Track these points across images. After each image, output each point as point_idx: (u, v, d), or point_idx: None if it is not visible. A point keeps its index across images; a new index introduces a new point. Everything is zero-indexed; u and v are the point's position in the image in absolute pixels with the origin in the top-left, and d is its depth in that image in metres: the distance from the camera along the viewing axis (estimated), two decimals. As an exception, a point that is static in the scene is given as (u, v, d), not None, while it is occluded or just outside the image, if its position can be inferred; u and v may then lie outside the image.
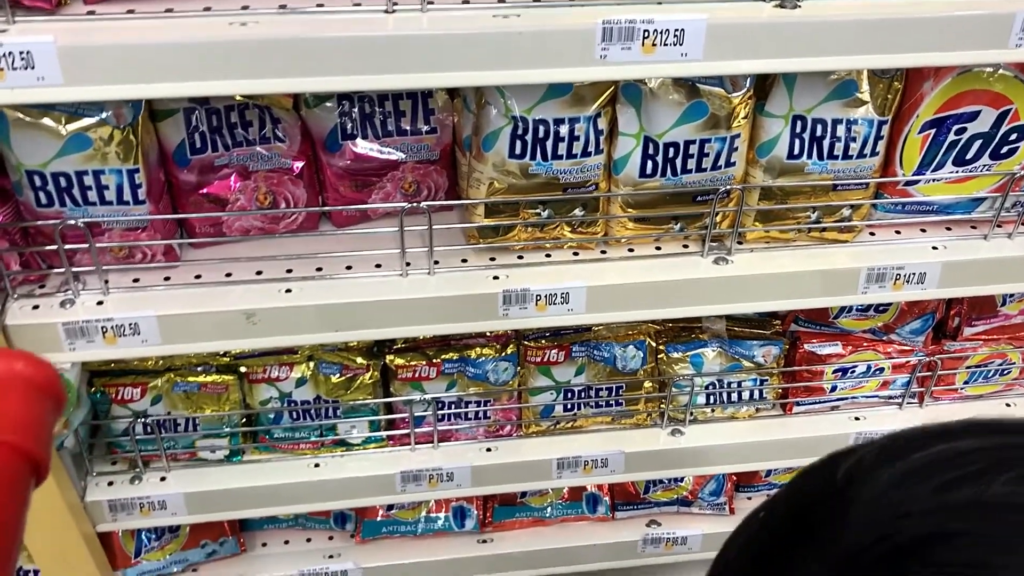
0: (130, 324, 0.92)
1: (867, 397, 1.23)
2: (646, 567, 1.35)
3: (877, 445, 0.41)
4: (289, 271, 0.98)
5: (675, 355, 1.17)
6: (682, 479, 1.31)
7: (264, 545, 1.30)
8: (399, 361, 1.13)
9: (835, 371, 1.20)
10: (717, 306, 1.03)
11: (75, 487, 1.09)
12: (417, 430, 1.16)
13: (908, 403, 1.24)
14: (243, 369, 1.11)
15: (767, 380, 1.20)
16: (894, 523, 0.38)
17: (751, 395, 1.21)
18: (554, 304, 0.99)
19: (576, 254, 1.01)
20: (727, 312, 1.11)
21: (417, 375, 1.13)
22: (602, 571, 1.34)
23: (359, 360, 1.11)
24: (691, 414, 1.20)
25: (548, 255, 1.01)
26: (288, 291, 0.96)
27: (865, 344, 1.19)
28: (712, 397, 1.20)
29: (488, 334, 1.14)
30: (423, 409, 1.16)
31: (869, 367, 1.19)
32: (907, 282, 1.02)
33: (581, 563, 1.33)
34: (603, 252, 1.02)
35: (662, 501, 1.32)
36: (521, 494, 1.32)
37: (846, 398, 1.22)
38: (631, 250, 1.02)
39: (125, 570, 1.20)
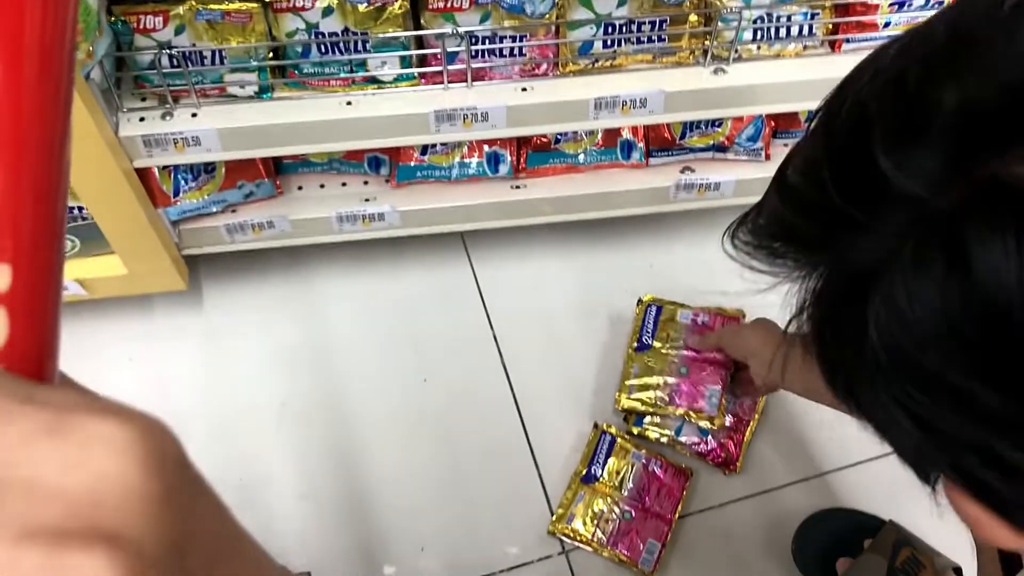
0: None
1: (922, 34, 1.16)
2: (678, 213, 1.37)
3: None
4: None
5: (724, -16, 1.10)
6: (719, 124, 1.28)
7: (300, 188, 1.32)
8: (430, -11, 1.06)
9: (891, 3, 1.12)
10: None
11: (109, 122, 1.08)
12: (450, 67, 1.12)
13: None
14: (267, -3, 1.05)
15: (819, 14, 1.14)
16: None
17: (800, 31, 1.15)
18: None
19: None
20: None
21: (449, 5, 1.08)
22: (634, 216, 1.36)
23: (388, -13, 1.05)
24: (736, 51, 1.15)
25: None
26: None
27: (929, -27, 1.10)
28: (759, 32, 1.14)
29: (524, -41, 1.07)
30: (456, 44, 1.11)
31: (929, -1, 1.12)
32: None
33: (613, 208, 1.34)
34: None
35: (697, 147, 1.31)
36: (555, 140, 1.30)
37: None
38: None
39: (166, 208, 1.22)
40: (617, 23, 1.12)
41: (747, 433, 1.27)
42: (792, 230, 0.43)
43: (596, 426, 1.26)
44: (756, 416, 1.27)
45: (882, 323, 0.37)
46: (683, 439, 1.25)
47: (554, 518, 1.20)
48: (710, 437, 1.25)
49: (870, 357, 0.38)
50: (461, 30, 1.09)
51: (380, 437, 1.28)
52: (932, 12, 1.11)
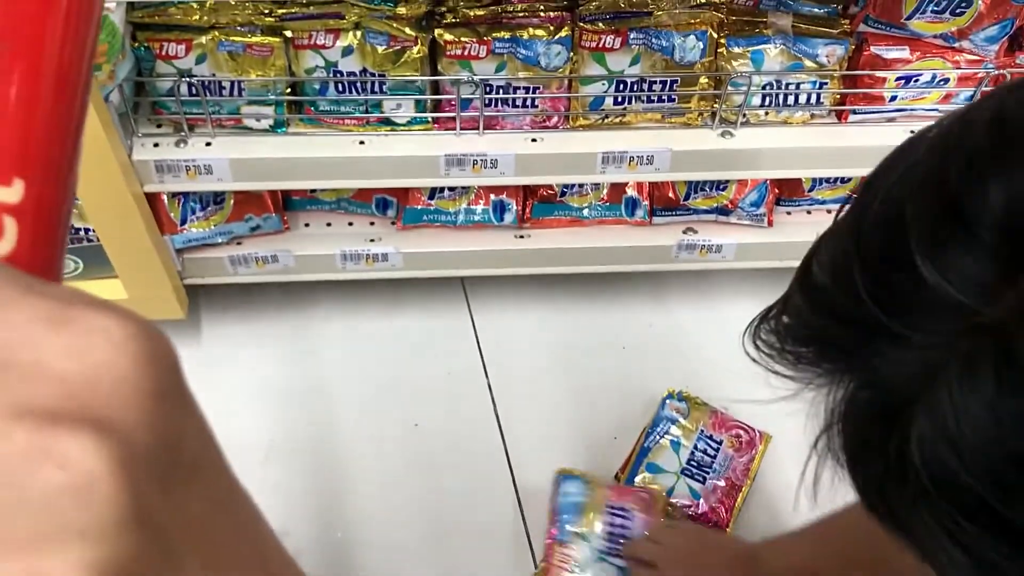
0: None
1: (926, 110, 1.19)
2: (678, 272, 1.38)
3: None
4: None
5: (736, 50, 1.13)
6: (724, 187, 1.30)
7: (307, 225, 1.33)
8: (448, 36, 1.09)
9: (898, 79, 1.15)
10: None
11: (123, 145, 1.09)
12: (463, 114, 1.14)
13: (968, 121, 1.20)
14: (288, 33, 1.07)
15: (827, 84, 1.16)
16: None
17: (808, 99, 1.17)
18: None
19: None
20: None
21: (466, 53, 1.10)
22: (635, 273, 1.37)
23: (407, 31, 1.08)
24: (744, 115, 1.17)
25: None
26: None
27: (934, 51, 1.13)
28: (768, 99, 1.17)
29: (542, 13, 1.10)
30: (471, 92, 1.13)
31: (934, 76, 1.15)
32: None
33: (614, 263, 1.35)
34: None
35: (701, 209, 1.32)
36: (561, 192, 1.32)
37: (904, 109, 1.19)
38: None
39: (172, 236, 1.23)
40: (628, 81, 1.14)
41: (739, 499, 1.26)
42: (820, 335, 0.39)
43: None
44: (749, 482, 1.26)
45: (926, 445, 0.33)
46: (674, 500, 1.24)
47: (536, 572, 1.19)
48: (702, 500, 1.24)
49: (913, 481, 0.34)
50: (476, 78, 1.11)
51: (366, 480, 1.27)
52: (936, 90, 1.14)
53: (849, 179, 1.30)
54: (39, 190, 0.26)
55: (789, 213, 1.36)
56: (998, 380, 0.31)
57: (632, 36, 1.11)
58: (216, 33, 1.06)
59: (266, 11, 1.06)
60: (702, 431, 1.29)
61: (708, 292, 1.47)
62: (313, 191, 1.30)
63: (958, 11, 1.10)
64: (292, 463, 1.28)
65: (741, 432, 1.29)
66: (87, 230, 1.22)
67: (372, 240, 1.31)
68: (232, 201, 1.25)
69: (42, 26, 0.27)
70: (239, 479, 0.28)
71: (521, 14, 1.10)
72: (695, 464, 1.26)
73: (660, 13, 1.10)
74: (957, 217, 0.33)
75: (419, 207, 1.30)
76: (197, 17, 1.05)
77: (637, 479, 1.25)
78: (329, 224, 1.33)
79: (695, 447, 1.27)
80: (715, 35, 1.13)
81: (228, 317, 1.41)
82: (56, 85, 0.27)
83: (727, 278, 1.45)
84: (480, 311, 1.45)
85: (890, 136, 1.19)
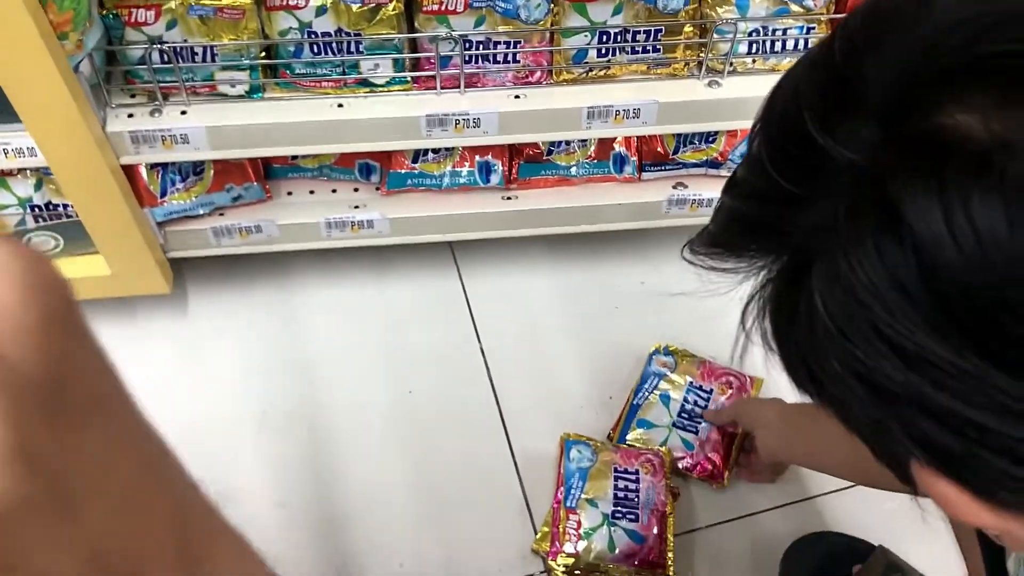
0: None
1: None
2: (669, 228, 1.36)
3: None
4: None
5: (720, -5, 1.10)
6: (713, 139, 1.28)
7: (289, 194, 1.31)
8: (425, -9, 1.06)
9: (888, 21, 1.12)
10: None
11: (97, 117, 1.07)
12: (443, 72, 1.12)
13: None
14: (260, -6, 1.05)
15: (814, 28, 1.14)
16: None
17: (796, 44, 1.15)
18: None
19: None
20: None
21: (444, 7, 1.07)
22: (625, 231, 1.35)
23: (383, -12, 1.05)
24: (731, 64, 1.14)
25: None
26: None
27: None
28: (755, 46, 1.14)
29: (520, -36, 1.07)
30: (450, 49, 1.11)
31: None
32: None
33: (604, 222, 1.33)
34: None
35: (690, 163, 1.30)
36: (548, 151, 1.29)
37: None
38: None
39: (152, 209, 1.21)
40: (612, 31, 1.12)
41: (734, 445, 1.24)
42: (743, 221, 0.44)
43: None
44: (741, 430, 1.25)
45: (826, 291, 0.37)
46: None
47: (538, 536, 1.18)
48: (696, 450, 1.23)
49: (821, 330, 0.38)
50: (455, 34, 1.09)
51: (362, 448, 1.26)
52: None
53: (840, 127, 1.28)
54: None
55: (780, 164, 1.34)
56: (878, 221, 0.34)
57: (614, -16, 1.08)
58: (185, -3, 1.03)
59: (235, -28, 1.03)
60: (691, 383, 1.28)
61: (700, 248, 1.45)
62: (294, 158, 1.28)
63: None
64: (286, 434, 1.27)
65: (731, 379, 1.28)
66: (65, 206, 1.20)
67: (356, 207, 1.29)
68: (212, 171, 1.23)
69: None
70: (146, 415, 0.27)
71: (499, -35, 1.07)
72: (686, 416, 1.25)
73: (641, -40, 1.07)
74: (842, 88, 0.37)
75: (403, 171, 1.27)
76: (165, -20, 1.02)
77: (629, 437, 1.24)
78: (312, 192, 1.31)
79: (685, 399, 1.26)
80: (699, -19, 1.10)
81: (214, 289, 1.39)
82: None
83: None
84: (470, 275, 1.44)
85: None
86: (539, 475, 1.24)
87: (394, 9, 1.06)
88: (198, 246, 1.28)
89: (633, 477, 1.19)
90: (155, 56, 1.06)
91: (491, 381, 1.33)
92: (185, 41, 1.07)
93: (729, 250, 0.44)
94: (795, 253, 0.40)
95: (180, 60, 1.07)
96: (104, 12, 1.04)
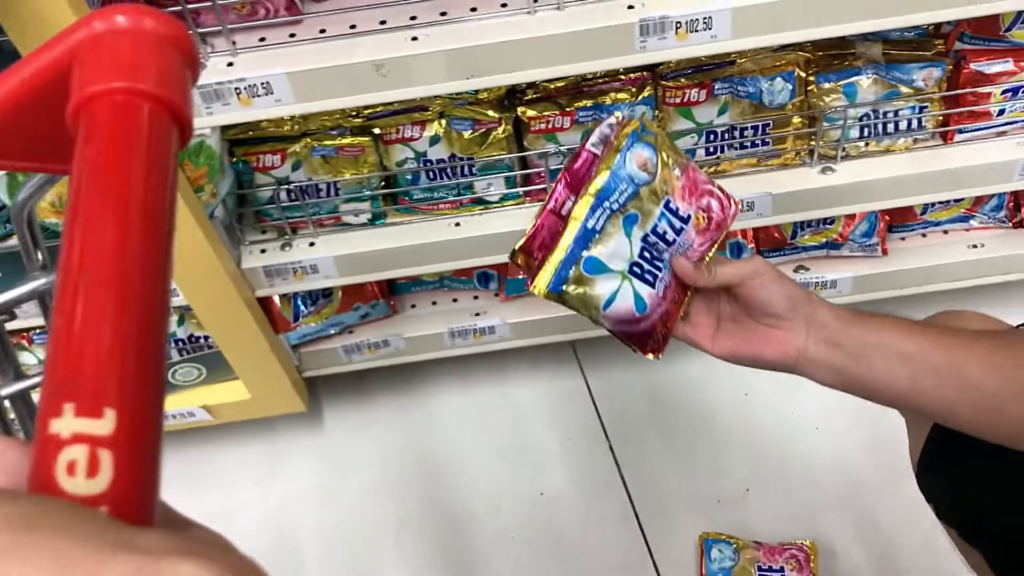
0: (262, 83, 0.91)
1: (1040, 119, 1.12)
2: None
3: None
4: (413, 18, 0.94)
5: (826, 86, 1.09)
6: (831, 222, 1.25)
7: (413, 307, 1.35)
8: (531, 112, 1.09)
9: (1004, 92, 1.09)
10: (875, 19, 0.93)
11: (231, 255, 1.13)
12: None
13: (1088, 123, 1.13)
14: (377, 130, 1.10)
15: (927, 107, 1.11)
16: None
17: (908, 125, 1.12)
18: (695, 31, 0.92)
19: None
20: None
21: (550, 126, 1.10)
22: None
23: (490, 113, 1.08)
24: (843, 149, 1.13)
25: (686, -22, 0.93)
26: (414, 39, 0.92)
27: (1042, 58, 1.07)
28: (866, 129, 1.12)
29: (623, 77, 1.09)
30: (559, 162, 1.13)
31: (1045, 84, 1.08)
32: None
33: (726, 311, 1.32)
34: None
35: (810, 245, 1.28)
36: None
37: (1015, 122, 1.12)
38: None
39: (286, 333, 1.27)
40: (719, 130, 1.12)
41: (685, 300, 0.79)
42: None
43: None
44: (690, 294, 0.79)
45: None
46: (609, 313, 0.73)
47: (682, 638, 1.15)
48: (648, 312, 0.74)
49: None
50: (563, 148, 1.11)
51: (499, 554, 1.26)
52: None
53: (963, 198, 1.24)
54: (130, 420, 0.26)
55: (903, 239, 1.30)
56: None
57: (717, 86, 1.08)
58: (308, 140, 1.09)
59: (353, 113, 1.09)
60: (668, 202, 0.74)
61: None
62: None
63: (1063, 14, 1.04)
64: (423, 539, 1.29)
65: (712, 201, 0.79)
66: (206, 337, 1.27)
67: (478, 314, 1.32)
68: (340, 293, 1.28)
69: (121, 259, 0.28)
70: None
71: (601, 81, 1.09)
72: (648, 255, 0.73)
73: (743, 60, 1.07)
74: None
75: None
76: (288, 127, 1.09)
77: (568, 287, 0.70)
78: (434, 303, 1.35)
79: (655, 227, 0.73)
80: (803, 74, 1.09)
81: (348, 403, 1.44)
82: (138, 309, 0.27)
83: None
84: (593, 372, 1.44)
85: (1003, 150, 1.13)
86: (679, 569, 1.22)
87: (504, 132, 1.09)
88: (331, 364, 1.33)
89: (778, 575, 1.15)
90: (283, 195, 1.12)
91: (621, 476, 1.32)
92: (310, 179, 1.13)
93: None
94: None
95: (306, 197, 1.13)
96: (234, 160, 1.11)
